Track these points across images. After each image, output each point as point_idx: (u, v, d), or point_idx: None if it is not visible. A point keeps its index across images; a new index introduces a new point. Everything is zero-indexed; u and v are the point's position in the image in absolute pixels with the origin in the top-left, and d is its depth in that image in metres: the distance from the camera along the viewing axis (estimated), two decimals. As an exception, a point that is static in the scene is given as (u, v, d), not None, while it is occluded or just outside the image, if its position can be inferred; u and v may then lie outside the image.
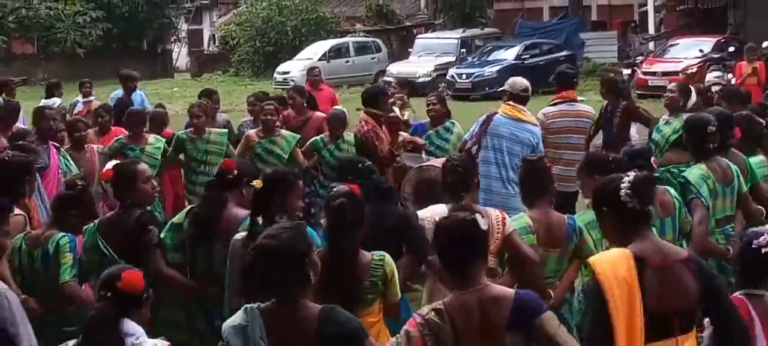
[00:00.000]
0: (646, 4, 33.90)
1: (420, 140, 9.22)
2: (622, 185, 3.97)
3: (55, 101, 13.65)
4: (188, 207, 5.85)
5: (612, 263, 3.93)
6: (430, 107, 9.62)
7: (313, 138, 9.57)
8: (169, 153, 9.24)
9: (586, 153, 6.09)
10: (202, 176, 9.02)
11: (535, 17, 36.43)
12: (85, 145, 8.96)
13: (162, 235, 5.52)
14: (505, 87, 8.46)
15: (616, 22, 34.80)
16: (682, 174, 6.16)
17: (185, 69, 42.81)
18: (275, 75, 32.50)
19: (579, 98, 9.46)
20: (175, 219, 5.82)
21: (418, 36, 35.81)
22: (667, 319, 3.92)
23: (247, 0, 39.15)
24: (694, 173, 6.04)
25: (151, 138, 9.22)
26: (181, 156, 9.34)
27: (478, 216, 3.76)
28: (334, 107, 10.27)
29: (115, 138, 9.38)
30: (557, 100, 8.70)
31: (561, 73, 9.25)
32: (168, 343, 3.99)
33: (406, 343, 3.67)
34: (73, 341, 3.92)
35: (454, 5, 37.89)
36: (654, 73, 24.78)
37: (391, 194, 5.46)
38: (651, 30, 33.31)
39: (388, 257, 4.74)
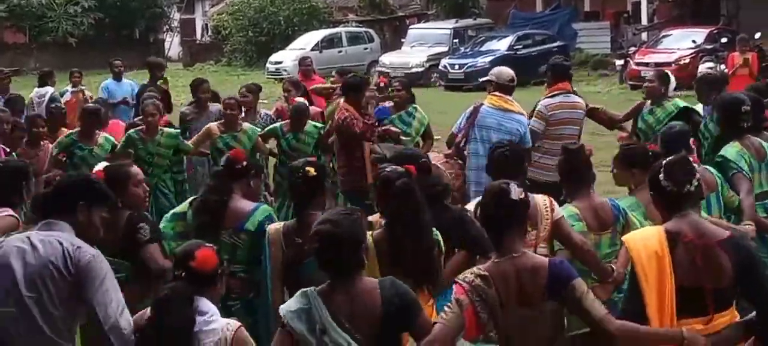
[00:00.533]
0: (638, -5, 33.93)
1: (394, 128, 9.13)
2: (661, 170, 4.24)
3: (48, 90, 13.63)
4: (191, 198, 5.84)
5: (643, 238, 4.21)
6: (395, 93, 9.67)
7: (272, 125, 9.73)
8: (118, 148, 9.04)
9: (622, 145, 6.17)
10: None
11: (528, 8, 36.35)
12: (41, 142, 8.91)
13: (162, 224, 5.50)
14: (491, 77, 8.33)
15: (608, 13, 34.76)
16: (720, 153, 6.33)
17: (177, 59, 42.59)
18: (268, 65, 32.49)
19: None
20: (177, 209, 5.84)
21: (410, 26, 35.79)
22: (700, 294, 4.05)
23: (240, -11, 39.11)
24: (731, 150, 6.25)
25: (101, 138, 9.07)
26: (130, 151, 9.14)
27: (512, 185, 3.91)
28: (297, 99, 10.33)
29: (67, 133, 9.31)
30: (555, 92, 8.63)
31: (557, 64, 9.12)
32: (239, 324, 3.97)
33: (458, 309, 3.81)
34: (148, 314, 3.91)
35: (447, -5, 37.88)
36: (647, 64, 24.75)
37: (445, 195, 5.43)
38: (644, 21, 33.30)
39: (436, 232, 4.85)
